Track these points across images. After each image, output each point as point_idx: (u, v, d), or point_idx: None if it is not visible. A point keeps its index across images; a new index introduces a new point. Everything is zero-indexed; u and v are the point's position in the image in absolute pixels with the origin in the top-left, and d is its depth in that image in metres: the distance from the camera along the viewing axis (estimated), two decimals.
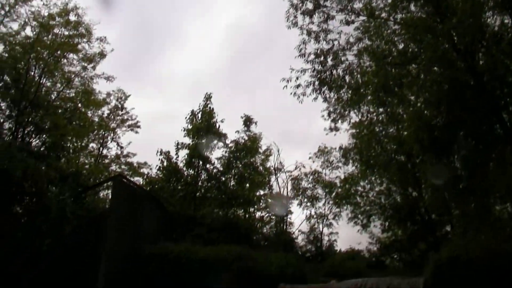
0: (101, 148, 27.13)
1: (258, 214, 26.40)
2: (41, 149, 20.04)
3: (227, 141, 24.72)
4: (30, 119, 19.86)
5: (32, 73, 20.44)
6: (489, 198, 16.87)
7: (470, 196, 17.12)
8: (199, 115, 24.30)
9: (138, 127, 27.71)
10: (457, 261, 12.27)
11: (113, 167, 27.49)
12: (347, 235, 29.51)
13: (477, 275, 11.68)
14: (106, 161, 27.52)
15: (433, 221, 22.94)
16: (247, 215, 24.78)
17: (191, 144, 23.72)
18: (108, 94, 25.89)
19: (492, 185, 15.58)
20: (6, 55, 19.84)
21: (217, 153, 24.64)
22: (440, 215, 22.31)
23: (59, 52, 20.94)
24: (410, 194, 23.56)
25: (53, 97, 21.66)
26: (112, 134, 27.28)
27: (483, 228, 15.58)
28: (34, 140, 20.42)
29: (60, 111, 21.43)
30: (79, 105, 23.07)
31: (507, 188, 15.03)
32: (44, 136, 20.50)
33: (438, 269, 12.72)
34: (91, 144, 26.45)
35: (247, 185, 24.54)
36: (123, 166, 27.68)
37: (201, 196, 23.44)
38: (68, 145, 22.52)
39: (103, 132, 26.83)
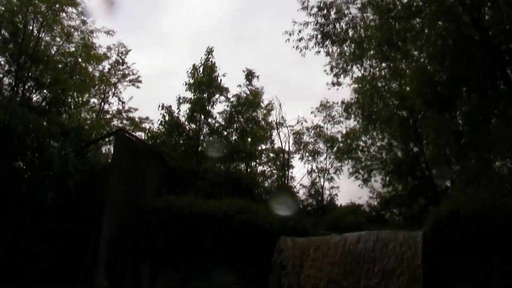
0: (102, 103, 27.00)
1: (259, 168, 26.64)
2: (42, 104, 19.97)
3: (229, 95, 24.68)
4: (30, 74, 19.68)
5: (31, 28, 20.09)
6: (490, 154, 16.91)
7: (471, 151, 17.17)
8: (201, 69, 24.14)
9: (140, 82, 27.44)
10: (456, 215, 12.40)
11: (115, 122, 27.40)
12: (348, 189, 29.74)
13: (476, 230, 11.83)
14: (108, 116, 27.41)
15: (434, 176, 23.07)
16: (248, 170, 24.95)
17: (192, 98, 23.67)
18: (109, 48, 25.52)
19: (494, 141, 15.59)
20: (3, 8, 19.45)
21: (219, 107, 24.65)
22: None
23: (57, 5, 20.52)
24: (411, 149, 23.58)
25: (53, 52, 21.36)
26: (113, 89, 27.07)
27: (483, 184, 15.70)
28: (34, 95, 20.29)
29: (60, 65, 21.19)
30: (79, 59, 22.78)
31: (510, 144, 15.04)
32: (44, 91, 20.36)
33: (437, 223, 12.88)
34: (92, 99, 26.26)
35: (249, 139, 24.64)
36: (124, 121, 27.59)
37: (203, 150, 23.51)
38: (69, 100, 22.36)
39: (104, 87, 26.64)
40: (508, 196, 12.47)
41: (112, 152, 19.37)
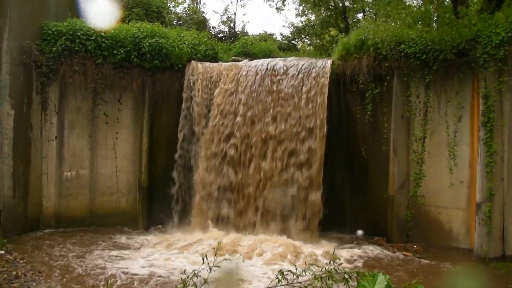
0: None
1: None
2: None
3: None
4: None
5: None
6: None
7: None
8: None
9: None
10: (364, 44, 12.80)
11: None
12: (261, 19, 29.52)
13: (381, 58, 12.37)
14: None
15: (347, 8, 23.27)
16: None
17: None
18: None
19: None
20: None
21: None
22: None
23: None
24: None
25: None
26: None
27: (392, 15, 16.04)
28: None
29: None
30: None
31: None
32: None
33: (345, 51, 13.28)
34: None
35: None
36: None
37: None
38: None
39: None
40: (414, 29, 12.84)
41: None
